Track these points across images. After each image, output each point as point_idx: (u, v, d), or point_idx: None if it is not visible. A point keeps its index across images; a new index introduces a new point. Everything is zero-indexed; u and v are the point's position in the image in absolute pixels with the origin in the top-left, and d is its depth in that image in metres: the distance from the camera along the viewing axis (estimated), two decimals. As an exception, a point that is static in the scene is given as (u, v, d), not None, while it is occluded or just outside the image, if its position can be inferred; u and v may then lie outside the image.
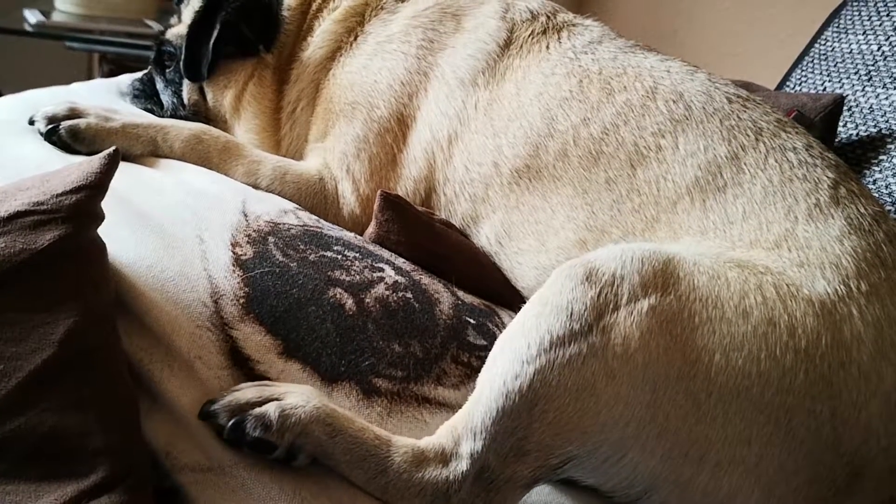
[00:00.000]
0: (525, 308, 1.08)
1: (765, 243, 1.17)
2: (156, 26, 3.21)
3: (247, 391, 1.04)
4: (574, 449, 1.01)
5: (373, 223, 1.41)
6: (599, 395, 0.99)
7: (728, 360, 1.01)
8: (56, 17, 3.21)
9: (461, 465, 1.03)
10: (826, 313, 1.06)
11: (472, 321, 1.28)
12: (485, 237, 1.47)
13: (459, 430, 1.04)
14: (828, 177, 1.24)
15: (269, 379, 1.08)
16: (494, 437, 1.01)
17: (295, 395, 1.05)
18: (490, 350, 1.21)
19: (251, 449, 1.01)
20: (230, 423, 1.01)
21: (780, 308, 1.05)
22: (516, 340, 1.04)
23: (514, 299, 1.41)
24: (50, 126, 1.49)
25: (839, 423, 1.01)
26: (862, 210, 1.20)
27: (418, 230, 1.40)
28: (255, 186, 1.52)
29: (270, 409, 1.01)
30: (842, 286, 1.09)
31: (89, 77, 3.72)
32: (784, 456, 1.00)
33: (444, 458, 1.04)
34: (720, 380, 1.00)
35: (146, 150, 1.53)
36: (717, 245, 1.19)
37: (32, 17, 3.12)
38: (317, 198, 1.55)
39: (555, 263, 1.34)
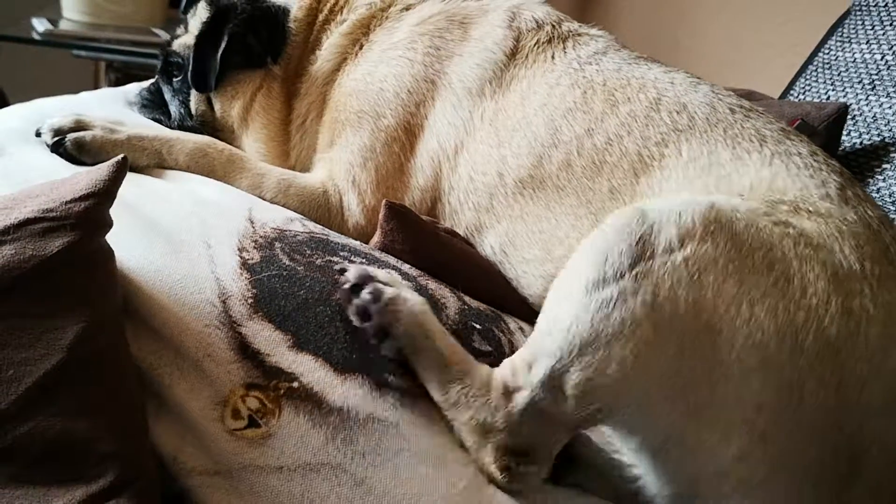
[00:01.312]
0: (579, 247, 1.12)
1: (782, 208, 1.15)
2: (162, 34, 3.23)
3: (380, 272, 1.19)
4: (606, 397, 1.04)
5: (378, 232, 1.42)
6: (626, 343, 1.01)
7: (752, 311, 1.01)
8: (63, 26, 3.23)
9: (519, 398, 1.08)
10: (838, 281, 1.05)
11: (477, 326, 1.28)
12: (489, 246, 1.48)
13: (519, 365, 1.10)
14: (835, 179, 1.24)
15: (282, 370, 1.09)
16: (544, 375, 1.06)
17: (410, 292, 1.18)
18: (495, 356, 1.22)
19: (356, 311, 1.14)
20: (353, 281, 1.15)
21: (796, 265, 1.05)
22: (563, 278, 1.11)
23: (519, 307, 1.42)
24: (56, 138, 1.49)
25: (843, 399, 1.01)
26: (870, 213, 1.20)
27: (423, 239, 1.41)
28: (260, 199, 1.52)
29: (388, 291, 1.15)
30: (856, 263, 1.08)
31: (96, 85, 3.74)
32: (793, 427, 1.00)
33: (507, 388, 1.09)
34: (743, 332, 1.01)
35: (152, 163, 1.53)
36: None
37: (40, 25, 3.15)
38: (321, 210, 1.56)
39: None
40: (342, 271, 1.18)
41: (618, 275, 1.03)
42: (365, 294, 1.13)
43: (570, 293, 1.06)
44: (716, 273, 1.03)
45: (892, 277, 1.10)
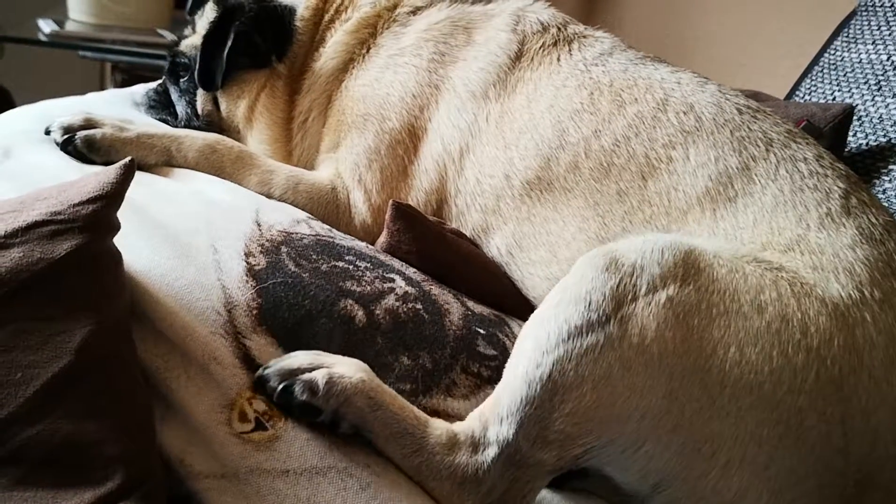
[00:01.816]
0: (548, 296, 1.10)
1: (777, 246, 1.17)
2: (168, 35, 3.24)
3: (299, 357, 1.10)
4: (592, 440, 1.03)
5: (384, 232, 1.42)
6: (615, 386, 1.01)
7: (742, 354, 1.01)
8: (70, 27, 3.24)
9: (490, 451, 1.06)
10: (839, 315, 1.06)
11: (481, 331, 1.28)
12: (496, 248, 1.48)
13: (487, 415, 1.07)
14: (839, 187, 1.24)
15: None
16: (520, 425, 1.04)
17: (343, 365, 1.10)
18: (500, 360, 1.22)
19: (299, 412, 1.07)
20: (280, 386, 1.06)
21: (794, 305, 1.05)
22: (538, 329, 1.06)
23: (524, 309, 1.42)
24: (66, 136, 1.50)
25: (849, 429, 1.01)
26: (873, 220, 1.20)
27: (429, 240, 1.41)
28: (269, 196, 1.53)
29: (318, 376, 1.07)
30: (855, 291, 1.09)
31: (102, 86, 3.75)
32: (794, 459, 1.01)
33: (475, 443, 1.07)
34: (734, 374, 1.00)
35: (161, 160, 1.54)
36: (733, 243, 1.19)
37: (46, 26, 3.15)
38: (329, 207, 1.56)
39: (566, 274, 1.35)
40: (261, 381, 1.08)
41: (602, 319, 1.02)
42: (298, 392, 1.06)
43: (548, 340, 1.04)
44: (699, 317, 1.03)
45: (892, 295, 1.11)
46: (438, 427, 1.09)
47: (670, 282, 1.04)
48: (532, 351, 1.05)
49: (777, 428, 1.00)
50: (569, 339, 1.03)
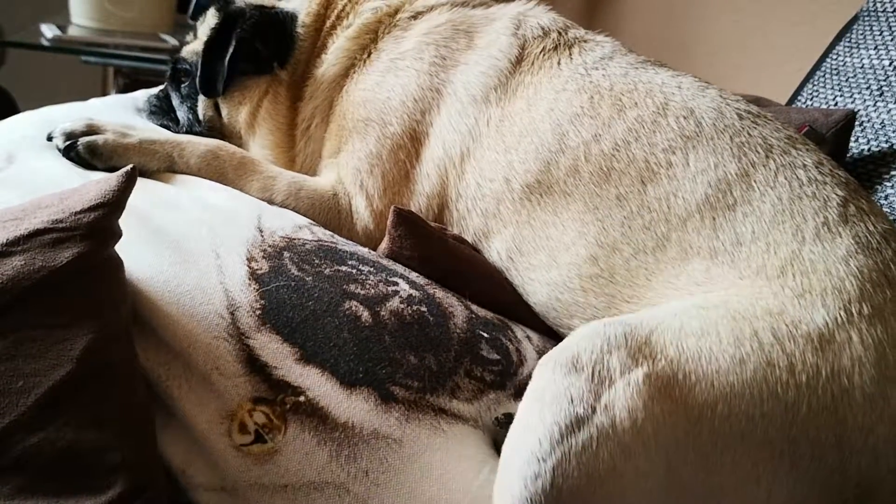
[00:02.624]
0: (522, 406, 1.06)
1: (770, 270, 1.17)
2: (170, 40, 3.24)
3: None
4: None
5: (386, 238, 1.42)
6: (621, 475, 0.99)
7: (731, 407, 1.01)
8: (72, 32, 3.25)
9: None
10: (825, 344, 1.06)
11: (485, 335, 1.28)
12: (496, 253, 1.48)
13: None
14: (837, 194, 1.24)
15: (289, 384, 1.09)
16: None
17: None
18: (503, 365, 1.22)
19: None
20: None
21: (779, 350, 1.05)
22: (526, 438, 1.01)
23: (525, 315, 1.42)
24: (68, 142, 1.51)
25: (845, 448, 1.02)
26: (871, 228, 1.20)
27: (431, 245, 1.41)
28: (270, 202, 1.53)
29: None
30: (842, 312, 1.09)
31: (104, 90, 3.76)
32: (792, 484, 1.01)
33: None
34: (725, 429, 1.01)
35: (163, 166, 1.54)
36: (717, 284, 1.20)
37: (49, 31, 3.16)
38: (331, 213, 1.56)
39: (566, 279, 1.35)
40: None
41: (588, 412, 1.00)
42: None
43: (540, 447, 0.99)
44: (679, 387, 1.02)
45: (883, 308, 1.11)
46: None
47: (641, 359, 1.03)
48: (526, 463, 0.99)
49: (772, 462, 1.01)
50: (562, 440, 0.99)
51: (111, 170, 1.21)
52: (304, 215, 1.50)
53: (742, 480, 1.01)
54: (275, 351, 1.11)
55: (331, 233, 1.45)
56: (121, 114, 1.87)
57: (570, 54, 1.53)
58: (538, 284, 1.41)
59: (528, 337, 1.34)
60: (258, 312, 1.15)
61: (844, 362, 1.05)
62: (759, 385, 1.02)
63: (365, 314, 1.20)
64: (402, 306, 1.24)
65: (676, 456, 1.00)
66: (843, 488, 1.02)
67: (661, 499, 1.00)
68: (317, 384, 1.10)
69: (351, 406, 1.09)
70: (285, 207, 1.53)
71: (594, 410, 1.00)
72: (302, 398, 1.08)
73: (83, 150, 1.49)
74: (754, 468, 1.01)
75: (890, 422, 1.03)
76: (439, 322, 1.25)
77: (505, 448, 1.05)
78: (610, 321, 1.09)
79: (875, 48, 1.97)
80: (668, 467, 1.00)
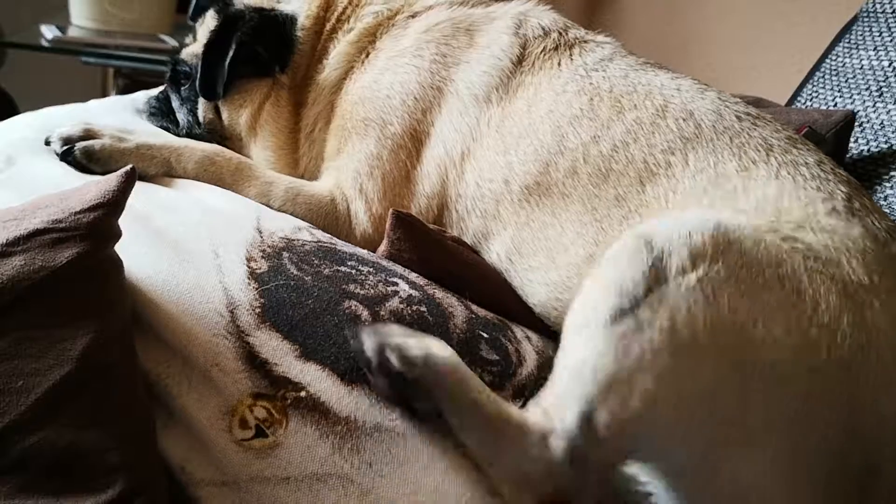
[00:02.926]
0: (585, 284, 1.10)
1: (786, 228, 1.15)
2: (170, 41, 3.25)
3: (394, 328, 1.11)
4: (638, 436, 1.02)
5: (385, 241, 1.42)
6: (650, 371, 1.00)
7: (767, 329, 1.01)
8: (72, 33, 3.25)
9: (557, 446, 1.04)
10: (849, 294, 1.05)
11: (485, 335, 1.28)
12: (495, 254, 1.48)
13: (549, 409, 1.06)
14: (841, 190, 1.24)
15: (289, 380, 1.09)
16: (577, 420, 1.02)
17: (436, 342, 1.10)
18: (502, 366, 1.22)
19: (387, 386, 1.07)
20: (372, 355, 1.07)
21: (807, 280, 1.05)
22: (574, 319, 1.07)
23: (525, 315, 1.42)
24: (65, 147, 1.51)
25: (856, 409, 1.01)
26: (877, 223, 1.20)
27: (430, 248, 1.41)
28: (268, 207, 1.53)
29: (415, 350, 1.07)
30: (865, 276, 1.08)
31: (104, 91, 3.76)
32: (809, 444, 1.00)
33: (543, 437, 1.05)
34: (761, 352, 1.00)
35: (160, 171, 1.54)
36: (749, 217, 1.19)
37: (49, 32, 3.16)
38: (328, 219, 1.56)
39: (565, 280, 1.35)
40: (355, 336, 1.10)
41: (633, 305, 1.02)
42: (394, 361, 1.06)
43: (587, 328, 1.04)
44: (730, 293, 1.02)
45: None
46: (515, 414, 1.08)
47: (699, 261, 1.03)
48: (574, 339, 1.06)
49: (797, 411, 1.00)
50: (604, 326, 1.02)
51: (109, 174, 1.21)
52: (302, 220, 1.50)
53: (768, 419, 1.00)
54: (275, 348, 1.12)
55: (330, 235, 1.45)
56: (120, 115, 1.87)
57: (571, 55, 1.53)
58: (537, 285, 1.41)
59: (527, 337, 1.34)
60: (258, 311, 1.15)
61: (866, 320, 1.04)
62: (789, 313, 1.02)
63: (364, 313, 1.20)
64: (401, 306, 1.24)
65: (713, 368, 1.00)
66: (851, 453, 1.01)
67: (688, 410, 1.01)
68: (317, 380, 1.10)
69: (353, 401, 1.09)
70: (283, 213, 1.53)
71: (638, 305, 1.02)
72: (303, 393, 1.08)
73: (80, 155, 1.50)
74: (781, 409, 1.00)
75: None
76: (439, 322, 1.25)
77: (567, 318, 1.09)
78: (690, 216, 1.12)
79: (874, 49, 1.97)
80: (700, 376, 1.00)
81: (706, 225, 1.07)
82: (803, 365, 1.00)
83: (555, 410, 1.05)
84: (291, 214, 1.52)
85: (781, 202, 1.21)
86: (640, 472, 1.09)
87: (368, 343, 1.08)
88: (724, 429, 1.01)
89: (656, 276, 1.03)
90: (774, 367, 1.00)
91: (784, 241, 1.08)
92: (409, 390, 1.07)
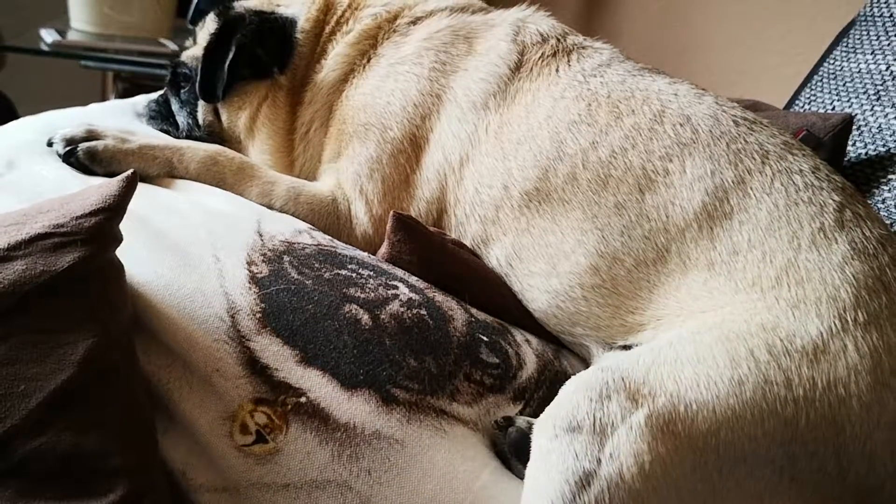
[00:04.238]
0: (529, 470, 1.08)
1: (766, 281, 1.18)
2: (170, 45, 3.25)
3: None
4: None
5: (385, 243, 1.43)
6: None
7: (733, 431, 1.02)
8: (72, 37, 3.25)
9: None
10: (819, 356, 1.07)
11: (485, 339, 1.29)
12: (495, 259, 1.48)
13: None
14: (833, 200, 1.25)
15: (290, 385, 1.09)
16: None
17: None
18: (502, 369, 1.23)
19: None
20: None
21: (775, 367, 1.06)
22: (538, 502, 1.03)
23: (525, 318, 1.42)
24: (68, 148, 1.51)
25: (843, 458, 1.03)
26: (867, 233, 1.21)
27: (430, 250, 1.41)
28: (270, 207, 1.53)
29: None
30: (837, 321, 1.10)
31: (104, 95, 3.76)
32: (794, 497, 1.02)
33: None
34: (729, 454, 1.02)
35: (162, 172, 1.55)
36: (714, 300, 1.20)
37: (49, 36, 3.17)
38: (330, 218, 1.57)
39: (566, 288, 1.35)
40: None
41: (594, 464, 1.01)
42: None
43: None
44: (682, 420, 1.03)
45: (878, 314, 1.12)
46: None
47: (641, 400, 1.04)
48: None
49: (773, 478, 1.02)
50: (574, 499, 1.01)
51: (111, 175, 1.21)
52: (304, 220, 1.51)
53: (746, 500, 1.02)
54: (275, 353, 1.12)
55: (330, 237, 1.46)
56: (120, 119, 1.87)
57: (569, 61, 1.53)
58: (538, 292, 1.41)
59: (527, 340, 1.35)
60: (258, 315, 1.15)
61: (840, 372, 1.06)
62: (759, 404, 1.03)
63: (365, 317, 1.20)
64: (401, 310, 1.24)
65: (686, 489, 1.01)
66: (842, 495, 1.03)
67: None
68: (318, 385, 1.10)
69: (352, 407, 1.09)
70: (284, 212, 1.54)
71: (600, 462, 1.01)
72: (303, 399, 1.08)
73: (83, 156, 1.50)
74: (756, 486, 1.02)
75: (887, 427, 1.04)
76: (439, 325, 1.26)
77: None
78: (605, 367, 1.10)
79: (872, 53, 1.98)
80: (679, 501, 1.01)
81: (631, 376, 1.07)
82: (778, 441, 1.02)
83: None
84: (293, 215, 1.53)
85: (769, 241, 1.22)
86: None
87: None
88: None
89: (603, 429, 1.03)
90: (746, 458, 1.02)
91: (741, 344, 1.09)
92: None
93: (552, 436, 1.05)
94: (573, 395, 1.08)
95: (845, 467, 1.03)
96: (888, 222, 1.63)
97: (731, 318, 1.15)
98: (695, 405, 1.04)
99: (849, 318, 1.10)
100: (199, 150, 1.58)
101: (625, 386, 1.06)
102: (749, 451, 1.02)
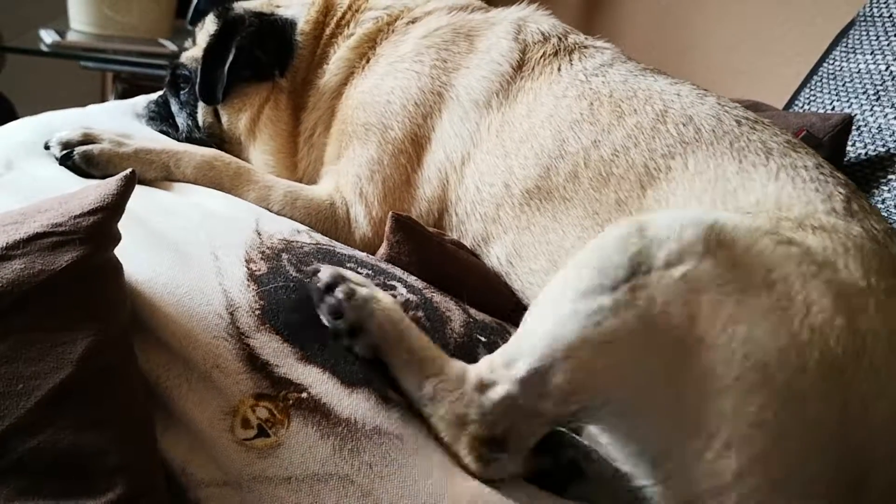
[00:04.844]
0: (573, 258, 1.12)
1: (786, 225, 1.15)
2: (169, 45, 3.25)
3: (351, 273, 1.20)
4: (587, 399, 1.04)
5: (384, 244, 1.43)
6: (617, 351, 1.02)
7: (750, 332, 1.00)
8: (71, 37, 3.25)
9: (494, 393, 1.09)
10: (843, 299, 1.05)
11: (483, 339, 1.29)
12: (496, 257, 1.48)
13: (497, 362, 1.10)
14: (840, 192, 1.24)
15: (290, 381, 1.09)
16: (524, 373, 1.06)
17: (382, 293, 1.20)
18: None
19: (329, 310, 1.15)
20: (326, 281, 1.17)
21: (800, 284, 1.04)
22: (554, 285, 1.10)
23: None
24: (64, 151, 1.51)
25: (848, 416, 1.00)
26: (875, 226, 1.20)
27: (429, 250, 1.41)
28: (267, 211, 1.53)
29: (361, 290, 1.17)
30: (861, 279, 1.08)
31: (103, 96, 3.76)
32: (794, 445, 0.99)
33: (482, 385, 1.10)
34: (741, 352, 1.00)
35: (159, 175, 1.55)
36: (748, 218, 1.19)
37: (48, 36, 3.17)
38: (328, 223, 1.57)
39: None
40: (314, 272, 1.19)
41: (613, 285, 1.04)
42: (338, 293, 1.15)
43: (560, 298, 1.07)
44: (713, 292, 1.02)
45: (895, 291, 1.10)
46: (453, 366, 1.14)
47: (687, 257, 1.04)
48: (542, 305, 1.10)
49: (780, 412, 0.99)
50: (578, 299, 1.04)
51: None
52: (301, 224, 1.51)
53: (746, 417, 0.99)
54: (276, 350, 1.12)
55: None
56: (120, 120, 1.87)
57: (571, 60, 1.54)
58: (538, 289, 1.41)
59: (526, 341, 1.34)
60: (257, 313, 1.15)
61: (860, 324, 1.03)
62: (779, 317, 1.02)
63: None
64: (399, 311, 1.24)
65: (685, 361, 1.01)
66: (842, 460, 1.00)
67: (655, 393, 1.02)
68: (318, 382, 1.10)
69: (353, 403, 1.09)
70: (282, 216, 1.53)
71: (616, 287, 1.04)
72: (304, 394, 1.08)
73: (79, 160, 1.50)
74: (761, 409, 0.99)
75: (891, 400, 1.02)
76: (436, 326, 1.25)
77: (545, 287, 1.13)
78: (689, 212, 1.14)
79: (871, 53, 1.98)
80: (669, 366, 1.01)
81: (702, 222, 1.07)
82: (790, 366, 1.00)
83: (501, 362, 1.10)
84: (290, 218, 1.53)
85: (782, 200, 1.22)
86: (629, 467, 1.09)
87: (324, 275, 1.17)
88: (693, 420, 1.00)
89: (640, 264, 1.04)
90: (756, 368, 0.99)
91: (780, 245, 1.08)
92: (348, 326, 1.14)
93: (608, 234, 1.10)
94: (658, 218, 1.11)
95: (849, 428, 1.00)
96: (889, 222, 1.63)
97: (772, 223, 1.15)
98: (730, 287, 1.03)
99: (873, 282, 1.08)
100: (196, 154, 1.58)
101: (681, 236, 1.06)
102: (760, 364, 0.99)
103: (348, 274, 1.19)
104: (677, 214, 1.11)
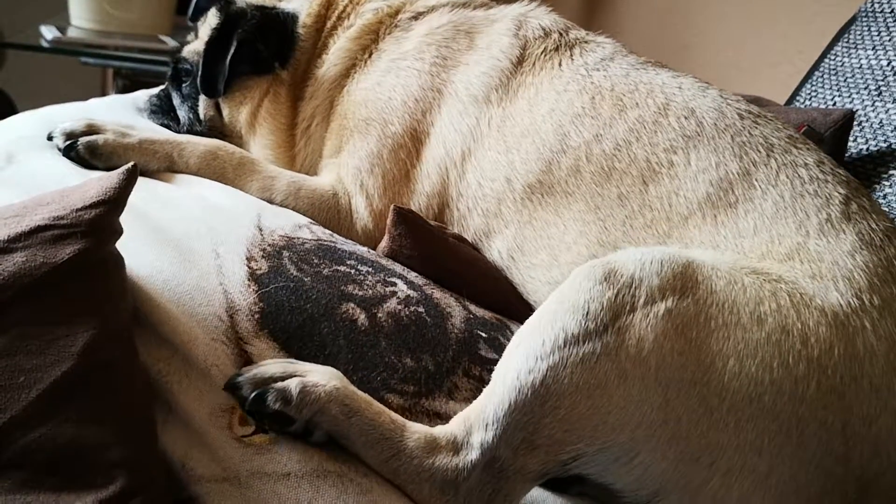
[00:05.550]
0: (543, 305, 1.09)
1: (776, 255, 1.17)
2: (170, 42, 3.25)
3: (271, 366, 1.08)
4: (583, 446, 1.02)
5: (386, 237, 1.43)
6: (611, 395, 1.00)
7: (742, 366, 1.01)
8: (72, 34, 3.25)
9: (471, 455, 1.05)
10: (839, 324, 1.06)
11: (483, 335, 1.29)
12: (497, 252, 1.48)
13: (472, 420, 1.06)
14: (839, 192, 1.25)
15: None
16: (505, 429, 1.03)
17: (317, 373, 1.09)
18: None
19: (271, 420, 1.05)
20: (252, 394, 1.05)
21: (794, 316, 1.05)
22: (532, 336, 1.05)
23: (525, 314, 1.42)
24: (68, 142, 1.51)
25: (850, 437, 1.01)
26: (873, 226, 1.20)
27: (431, 244, 1.41)
28: (270, 201, 1.53)
29: (292, 385, 1.05)
30: (854, 299, 1.09)
31: (103, 92, 3.76)
32: (795, 467, 1.00)
33: (456, 446, 1.06)
34: (733, 385, 1.00)
35: (162, 166, 1.55)
36: (731, 254, 1.20)
37: (48, 33, 3.17)
38: (330, 213, 1.57)
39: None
40: (233, 387, 1.07)
41: (600, 329, 1.02)
42: (271, 401, 1.04)
43: (543, 346, 1.03)
44: (697, 329, 1.02)
45: (891, 301, 1.11)
46: (417, 431, 1.08)
47: (668, 294, 1.04)
48: (524, 357, 1.04)
49: (778, 437, 1.00)
50: (565, 346, 1.02)
51: (111, 170, 1.21)
52: (304, 215, 1.51)
53: (743, 446, 1.00)
54: (272, 357, 1.12)
55: (330, 232, 1.46)
56: (121, 114, 1.87)
57: (572, 55, 1.54)
58: (539, 283, 1.41)
59: (527, 335, 1.34)
60: (257, 316, 1.15)
61: (857, 348, 1.04)
62: (773, 350, 1.02)
63: (361, 317, 1.20)
64: (399, 307, 1.24)
65: (678, 398, 1.00)
66: (844, 480, 1.01)
67: (651, 433, 1.01)
68: None
69: None
70: (285, 207, 1.53)
71: (605, 330, 1.02)
72: None
73: (83, 150, 1.50)
74: (758, 438, 1.00)
75: (893, 415, 1.03)
76: (437, 323, 1.25)
77: (515, 337, 1.09)
78: (659, 249, 1.11)
79: (873, 48, 1.98)
80: (665, 405, 1.00)
81: (676, 261, 1.07)
82: (786, 398, 1.00)
83: (479, 423, 1.05)
84: (293, 209, 1.53)
85: (776, 226, 1.21)
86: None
87: (245, 390, 1.06)
88: (693, 453, 1.01)
89: (623, 304, 1.03)
90: (751, 400, 1.00)
91: (767, 283, 1.08)
92: (303, 429, 1.06)
93: (580, 284, 1.06)
94: (626, 260, 1.08)
95: (851, 448, 1.01)
96: (891, 217, 1.63)
97: (756, 263, 1.15)
98: (713, 322, 1.03)
99: (865, 300, 1.09)
100: (200, 144, 1.58)
101: (664, 272, 1.05)
102: (755, 396, 1.00)
103: (268, 370, 1.08)
104: (648, 251, 1.09)
